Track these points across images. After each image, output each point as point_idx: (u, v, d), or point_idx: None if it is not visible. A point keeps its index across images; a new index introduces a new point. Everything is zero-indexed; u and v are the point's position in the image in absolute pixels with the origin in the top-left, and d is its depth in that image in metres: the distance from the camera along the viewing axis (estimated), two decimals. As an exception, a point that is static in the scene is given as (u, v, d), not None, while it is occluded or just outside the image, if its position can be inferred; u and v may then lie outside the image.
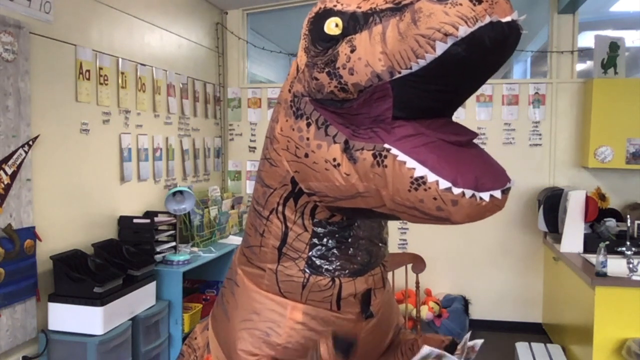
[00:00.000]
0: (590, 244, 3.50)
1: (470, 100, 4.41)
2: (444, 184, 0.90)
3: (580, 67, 4.55)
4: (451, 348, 1.28)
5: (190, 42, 4.17)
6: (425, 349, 1.17)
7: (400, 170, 0.94)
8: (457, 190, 0.89)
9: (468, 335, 1.29)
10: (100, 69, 3.01)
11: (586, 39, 4.45)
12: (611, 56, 4.04)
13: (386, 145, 0.97)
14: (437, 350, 1.18)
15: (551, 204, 3.85)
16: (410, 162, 0.93)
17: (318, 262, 1.21)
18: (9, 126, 2.35)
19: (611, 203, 3.93)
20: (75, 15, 2.83)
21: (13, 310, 2.39)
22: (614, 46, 4.04)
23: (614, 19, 4.87)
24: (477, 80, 0.97)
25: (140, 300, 2.85)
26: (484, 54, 0.86)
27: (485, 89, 4.39)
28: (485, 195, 0.90)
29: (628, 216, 3.51)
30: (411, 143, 0.95)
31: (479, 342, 1.27)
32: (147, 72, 3.50)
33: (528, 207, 4.36)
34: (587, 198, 3.59)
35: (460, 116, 4.26)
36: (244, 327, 1.28)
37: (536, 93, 4.36)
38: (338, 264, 1.22)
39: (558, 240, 3.72)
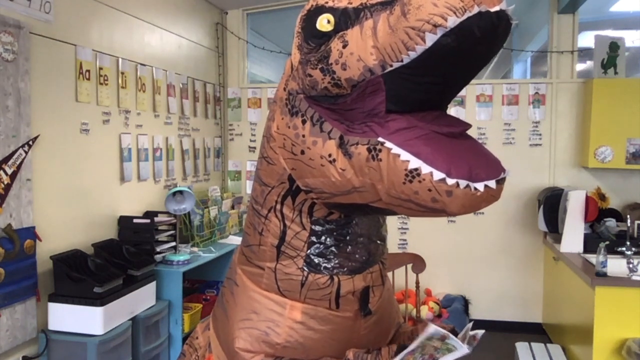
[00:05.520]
0: (590, 244, 3.49)
1: (470, 100, 4.42)
2: (438, 175, 0.91)
3: (580, 67, 4.55)
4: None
5: (190, 42, 4.18)
6: (432, 328, 1.17)
7: (395, 163, 0.95)
8: (451, 181, 0.90)
9: (470, 324, 1.29)
10: (100, 69, 3.02)
11: (586, 39, 4.45)
12: (611, 56, 4.04)
13: (380, 139, 0.98)
14: (442, 331, 1.17)
15: (551, 204, 3.85)
16: (404, 155, 0.94)
17: (316, 260, 1.22)
18: (9, 126, 2.36)
19: (611, 203, 3.93)
20: (75, 15, 2.84)
21: (13, 310, 2.39)
22: (614, 46, 4.04)
23: (614, 19, 4.87)
24: (468, 71, 0.98)
25: (140, 300, 2.85)
26: (474, 44, 0.87)
27: (485, 89, 4.39)
28: (480, 186, 0.91)
29: (628, 216, 3.51)
30: (405, 136, 0.96)
31: (480, 332, 1.27)
32: (147, 72, 3.50)
33: (528, 207, 4.36)
34: (587, 198, 3.59)
35: (460, 116, 4.25)
36: (243, 326, 1.28)
37: (536, 93, 4.35)
38: (336, 261, 1.22)
39: (558, 240, 3.72)
